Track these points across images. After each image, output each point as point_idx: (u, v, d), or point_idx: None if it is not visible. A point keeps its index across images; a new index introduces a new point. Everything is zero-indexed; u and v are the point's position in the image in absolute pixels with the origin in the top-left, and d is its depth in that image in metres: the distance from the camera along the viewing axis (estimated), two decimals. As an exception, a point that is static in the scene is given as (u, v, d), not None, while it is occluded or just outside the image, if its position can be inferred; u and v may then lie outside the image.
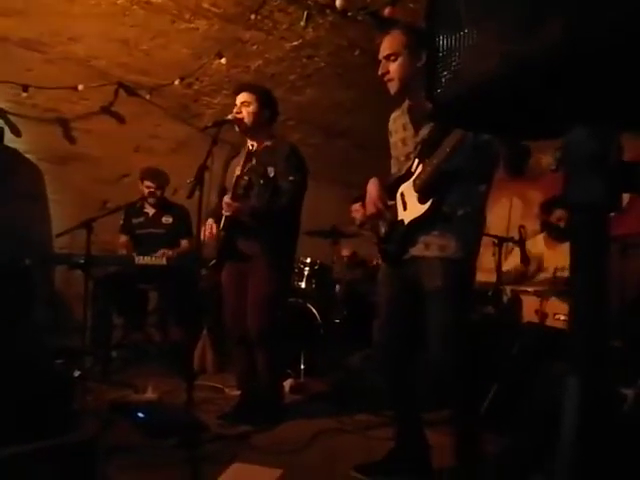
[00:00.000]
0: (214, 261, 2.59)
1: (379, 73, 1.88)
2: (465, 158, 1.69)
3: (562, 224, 3.25)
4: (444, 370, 1.76)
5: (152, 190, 3.68)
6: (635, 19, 0.49)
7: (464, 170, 1.72)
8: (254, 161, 2.50)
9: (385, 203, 1.91)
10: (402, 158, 1.94)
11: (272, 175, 2.46)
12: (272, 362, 2.53)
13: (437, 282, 1.74)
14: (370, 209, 1.95)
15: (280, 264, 2.52)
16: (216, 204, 2.59)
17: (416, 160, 1.83)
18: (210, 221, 2.55)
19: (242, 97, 2.52)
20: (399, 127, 1.97)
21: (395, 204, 1.91)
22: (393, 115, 2.04)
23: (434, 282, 1.75)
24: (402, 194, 1.89)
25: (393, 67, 1.84)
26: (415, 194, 1.81)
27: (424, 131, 1.83)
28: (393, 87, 1.86)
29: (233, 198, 2.45)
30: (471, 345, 1.82)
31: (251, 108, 2.50)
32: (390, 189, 1.93)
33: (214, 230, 2.52)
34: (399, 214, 1.89)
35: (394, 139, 2.00)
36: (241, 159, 2.57)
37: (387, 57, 1.85)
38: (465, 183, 1.76)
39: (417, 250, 1.82)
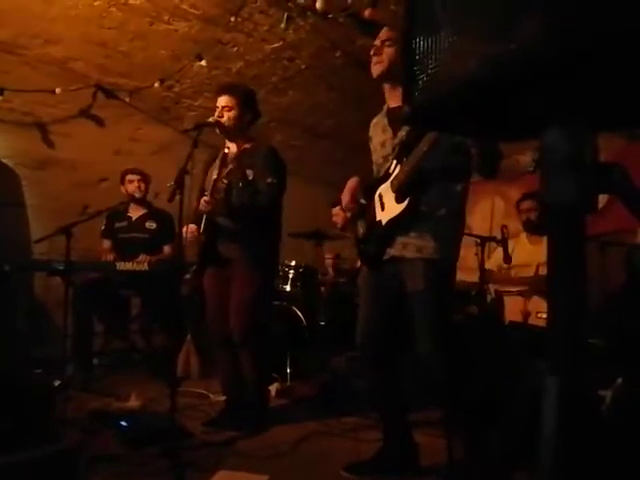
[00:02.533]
0: (195, 266, 2.57)
1: (371, 52, 1.85)
2: (441, 158, 1.72)
3: (531, 216, 3.32)
4: (434, 369, 1.77)
5: (136, 183, 3.61)
6: (613, 18, 0.49)
7: (441, 170, 1.75)
8: (234, 165, 2.48)
9: (353, 199, 1.95)
10: (380, 161, 1.97)
11: (251, 178, 2.45)
12: (257, 366, 2.51)
13: (419, 284, 1.75)
14: (342, 204, 2.01)
15: (261, 267, 2.50)
16: (195, 209, 2.57)
17: (394, 161, 1.85)
18: (191, 225, 2.52)
19: (224, 101, 2.49)
20: (378, 131, 2.00)
21: (372, 204, 1.93)
22: (373, 121, 2.06)
23: (416, 284, 1.76)
24: (380, 195, 1.91)
25: (388, 51, 1.81)
26: (393, 194, 1.83)
27: (402, 133, 1.85)
28: (377, 69, 1.84)
29: (211, 198, 2.43)
30: (459, 343, 1.84)
31: (232, 113, 2.47)
32: (368, 191, 1.95)
33: (194, 230, 2.48)
34: (377, 215, 1.91)
35: (374, 143, 2.03)
36: (218, 162, 2.55)
37: (383, 42, 1.83)
38: (442, 183, 1.79)
39: (395, 251, 1.84)
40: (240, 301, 2.45)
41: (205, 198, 2.42)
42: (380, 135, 1.97)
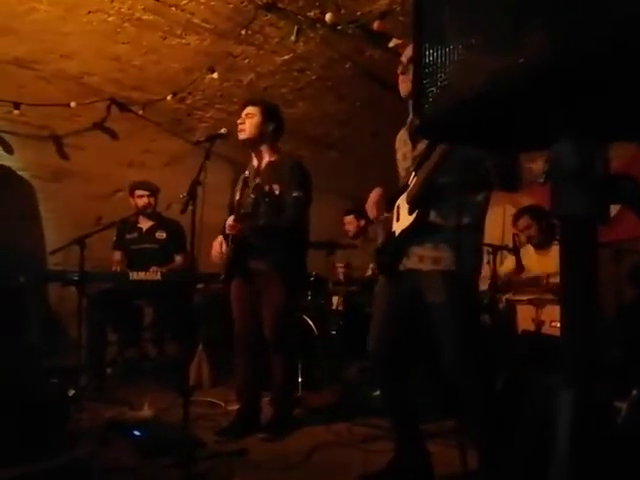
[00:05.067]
0: (223, 276, 2.61)
1: (398, 71, 1.89)
2: (457, 170, 1.71)
3: (532, 232, 3.32)
4: (461, 381, 1.75)
5: (145, 199, 3.66)
6: (619, 30, 0.50)
7: (454, 182, 1.74)
8: (259, 179, 2.52)
9: (380, 209, 1.95)
10: (403, 173, 1.99)
11: (278, 192, 2.47)
12: (287, 373, 2.60)
13: (441, 296, 1.73)
14: (368, 215, 2.00)
15: (291, 278, 2.55)
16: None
17: (413, 173, 1.86)
18: (219, 238, 2.58)
19: (247, 109, 2.56)
20: (401, 143, 2.02)
21: (392, 216, 1.95)
22: (399, 134, 2.07)
23: (438, 297, 1.75)
24: (398, 206, 1.93)
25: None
26: (407, 206, 1.85)
27: (421, 145, 1.86)
28: (404, 88, 1.88)
29: (236, 219, 2.47)
30: (485, 353, 1.82)
31: (254, 120, 2.53)
32: (390, 202, 1.97)
33: (223, 247, 2.55)
34: (393, 226, 1.93)
35: (398, 155, 2.05)
36: (249, 179, 2.58)
37: (409, 60, 1.84)
38: (459, 194, 1.77)
39: (412, 263, 1.84)
40: (274, 312, 2.50)
41: (229, 221, 2.47)
42: (402, 148, 2.00)
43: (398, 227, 1.89)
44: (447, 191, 1.76)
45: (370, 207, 1.98)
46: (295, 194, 2.47)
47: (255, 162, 2.62)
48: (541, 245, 3.32)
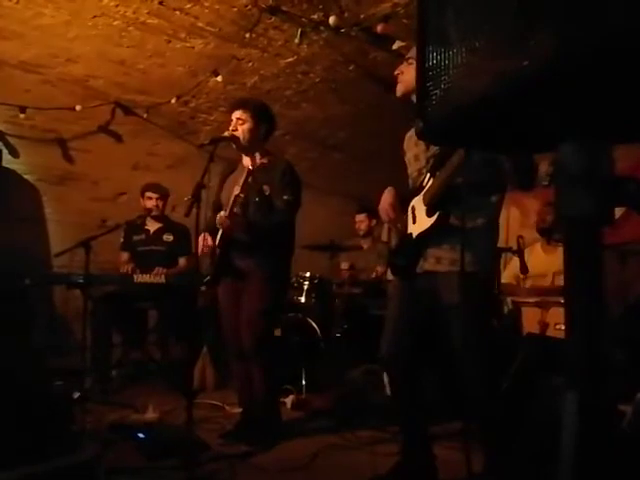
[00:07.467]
0: (209, 277, 2.59)
1: (394, 72, 1.89)
2: (474, 171, 1.69)
3: (547, 217, 3.31)
4: (470, 383, 1.74)
5: (154, 201, 3.68)
6: (624, 32, 0.50)
7: (473, 183, 1.72)
8: (250, 179, 2.51)
9: (396, 210, 1.92)
10: (415, 174, 1.97)
11: (267, 193, 2.47)
12: (267, 378, 2.50)
13: (455, 297, 1.72)
14: (382, 216, 1.98)
15: (274, 279, 2.51)
16: (210, 219, 2.58)
17: (428, 174, 1.85)
18: (205, 234, 2.54)
19: (237, 114, 2.52)
20: (411, 144, 2.00)
21: (405, 217, 1.93)
22: (407, 135, 2.06)
23: (452, 297, 1.74)
24: (413, 208, 1.91)
25: (409, 69, 1.84)
26: (424, 208, 1.82)
27: (435, 146, 1.84)
28: (399, 90, 1.88)
29: (229, 215, 2.46)
30: (495, 357, 1.82)
31: (246, 125, 2.50)
32: (403, 203, 1.95)
33: (209, 241, 2.52)
34: (409, 227, 1.91)
35: (408, 156, 2.03)
36: (239, 177, 2.57)
37: (408, 59, 1.85)
38: (475, 195, 1.76)
39: (429, 264, 1.83)
40: (251, 314, 2.45)
41: (222, 214, 2.45)
42: (413, 148, 1.98)
43: (415, 229, 1.86)
44: (466, 192, 1.73)
45: (385, 209, 1.94)
46: (285, 197, 2.46)
47: (245, 162, 2.59)
48: (547, 234, 3.29)
